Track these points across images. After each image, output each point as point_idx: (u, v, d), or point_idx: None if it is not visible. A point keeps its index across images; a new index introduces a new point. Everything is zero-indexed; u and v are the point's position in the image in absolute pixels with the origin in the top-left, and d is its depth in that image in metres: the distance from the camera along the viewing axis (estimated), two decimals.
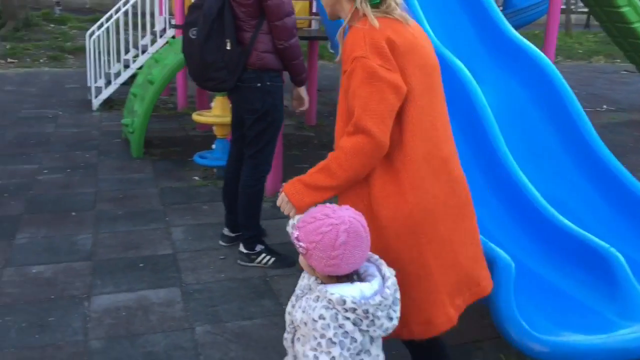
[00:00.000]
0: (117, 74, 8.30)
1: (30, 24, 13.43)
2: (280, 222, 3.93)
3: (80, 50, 12.85)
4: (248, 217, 3.79)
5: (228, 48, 3.50)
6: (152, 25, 8.81)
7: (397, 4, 2.04)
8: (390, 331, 1.80)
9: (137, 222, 4.48)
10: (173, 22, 8.26)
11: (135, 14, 8.92)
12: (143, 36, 8.99)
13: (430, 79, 2.08)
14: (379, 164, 2.01)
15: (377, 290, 1.77)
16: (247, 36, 3.53)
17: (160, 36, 8.07)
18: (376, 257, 1.90)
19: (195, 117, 5.49)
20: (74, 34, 13.71)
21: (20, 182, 5.27)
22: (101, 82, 8.34)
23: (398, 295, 1.82)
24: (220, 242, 4.11)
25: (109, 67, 8.50)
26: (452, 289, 2.13)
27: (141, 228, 4.37)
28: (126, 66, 8.35)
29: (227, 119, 5.31)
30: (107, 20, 8.52)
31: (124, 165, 5.87)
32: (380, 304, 1.73)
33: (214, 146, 5.53)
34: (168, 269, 3.76)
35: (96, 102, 8.28)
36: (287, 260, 3.80)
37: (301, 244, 1.77)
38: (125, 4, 8.49)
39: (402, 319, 1.87)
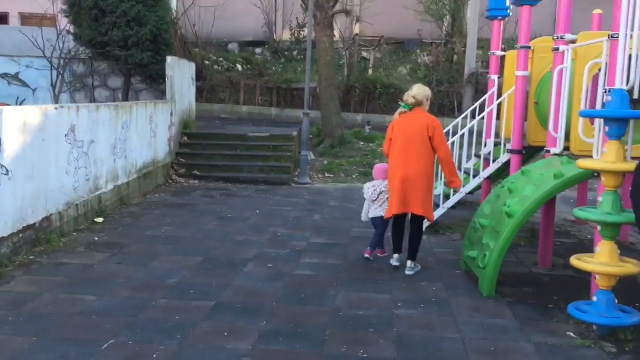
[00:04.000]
0: (446, 197, 8.07)
1: (345, 141, 14.35)
2: None
3: None
4: None
5: None
6: (477, 148, 8.56)
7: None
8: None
9: None
10: (509, 147, 7.87)
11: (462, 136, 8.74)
12: (468, 159, 8.78)
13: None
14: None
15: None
16: None
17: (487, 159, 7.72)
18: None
19: (576, 262, 4.75)
20: (381, 152, 14.24)
21: (379, 314, 5.03)
22: None
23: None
24: None
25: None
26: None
27: None
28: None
29: (621, 268, 4.51)
30: None
31: (478, 305, 5.34)
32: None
33: (594, 298, 4.70)
34: None
35: (424, 224, 8.07)
36: None
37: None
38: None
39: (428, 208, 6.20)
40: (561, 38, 6.43)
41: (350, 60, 20.29)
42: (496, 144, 8.68)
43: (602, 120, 5.39)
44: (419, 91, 6.20)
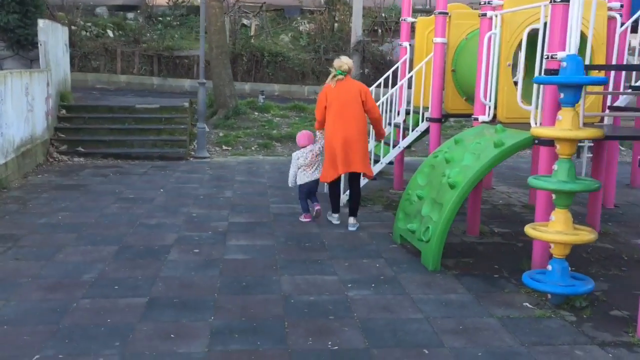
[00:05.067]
0: None
1: (239, 112, 13.72)
2: None
3: (286, 138, 12.89)
4: None
5: None
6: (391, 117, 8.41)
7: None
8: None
9: None
10: (427, 115, 7.77)
11: None
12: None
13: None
14: None
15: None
16: None
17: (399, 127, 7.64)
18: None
19: (532, 232, 4.67)
20: (277, 122, 13.82)
21: (333, 299, 4.69)
22: None
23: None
24: None
25: None
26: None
27: None
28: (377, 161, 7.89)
29: (576, 236, 4.49)
30: None
31: (428, 280, 5.16)
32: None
33: (549, 267, 4.66)
34: None
35: (344, 198, 7.81)
36: None
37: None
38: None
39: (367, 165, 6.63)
40: (488, 3, 6.32)
41: (235, 28, 19.46)
42: (407, 113, 8.56)
43: (540, 87, 5.36)
44: (348, 61, 6.69)
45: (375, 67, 19.50)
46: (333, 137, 6.47)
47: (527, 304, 4.69)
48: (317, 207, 6.94)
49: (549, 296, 4.69)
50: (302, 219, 7.00)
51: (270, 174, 9.92)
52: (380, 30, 21.85)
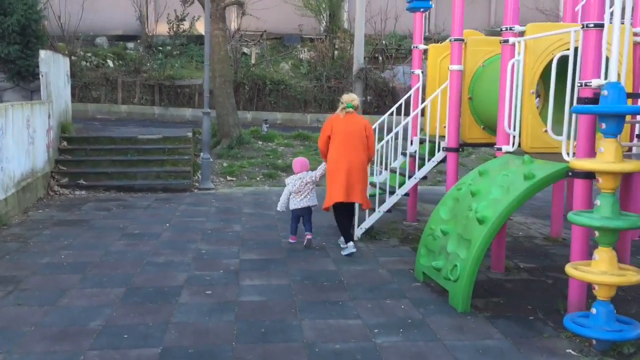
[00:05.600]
0: (371, 196, 7.55)
1: (243, 141, 13.45)
2: None
3: (292, 168, 12.57)
4: None
5: None
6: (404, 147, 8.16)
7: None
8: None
9: None
10: (444, 145, 7.49)
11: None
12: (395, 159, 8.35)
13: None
14: None
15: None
16: None
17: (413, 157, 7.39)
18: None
19: (574, 272, 4.35)
20: (282, 151, 13.55)
21: (360, 346, 4.34)
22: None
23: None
24: None
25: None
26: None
27: None
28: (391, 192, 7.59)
29: (623, 277, 4.17)
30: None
31: (459, 324, 4.81)
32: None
33: (594, 310, 4.33)
34: None
35: (358, 232, 7.50)
36: None
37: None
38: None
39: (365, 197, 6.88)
40: (510, 29, 6.09)
41: (236, 56, 19.31)
42: (421, 142, 8.30)
43: (573, 116, 5.09)
44: (356, 97, 7.05)
45: (378, 94, 19.34)
46: (337, 164, 6.68)
47: (570, 350, 4.35)
48: (307, 236, 7.08)
49: (594, 342, 4.35)
50: (289, 240, 7.26)
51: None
52: (380, 58, 21.75)
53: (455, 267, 5.23)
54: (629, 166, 4.16)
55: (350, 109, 6.81)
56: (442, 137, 7.59)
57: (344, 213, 6.87)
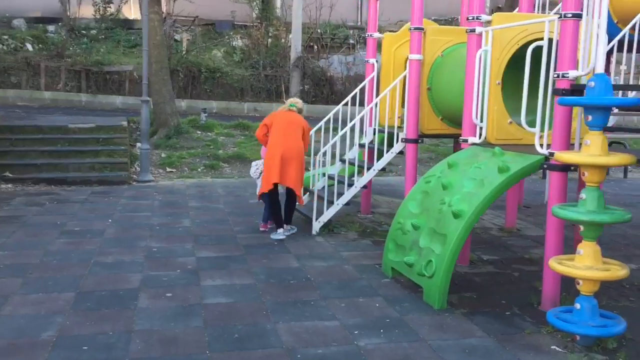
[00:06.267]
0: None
1: (181, 131, 12.88)
2: None
3: (234, 158, 12.20)
4: None
5: None
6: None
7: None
8: None
9: None
10: (403, 136, 7.33)
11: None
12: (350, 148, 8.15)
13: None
14: None
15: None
16: None
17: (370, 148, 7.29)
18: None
19: (559, 267, 4.26)
20: (223, 141, 13.07)
21: (344, 350, 4.10)
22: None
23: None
24: None
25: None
26: None
27: None
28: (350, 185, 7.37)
29: (609, 271, 4.12)
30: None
31: (438, 322, 4.66)
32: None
33: (577, 305, 4.27)
34: None
35: (317, 226, 7.24)
36: None
37: None
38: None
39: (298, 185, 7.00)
40: (477, 19, 5.97)
41: (169, 43, 18.52)
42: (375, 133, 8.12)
43: (547, 108, 5.02)
44: (301, 102, 7.45)
45: (315, 83, 19.10)
46: (274, 149, 6.89)
47: (555, 347, 4.27)
48: (262, 227, 7.35)
49: (577, 337, 4.30)
50: (260, 227, 7.39)
51: (226, 199, 9.21)
52: (316, 47, 21.50)
53: (430, 263, 5.07)
54: (615, 160, 4.10)
55: (293, 108, 7.20)
56: (393, 127, 7.46)
57: (276, 199, 7.06)
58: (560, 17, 4.79)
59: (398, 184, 10.71)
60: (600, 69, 4.22)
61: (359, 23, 23.95)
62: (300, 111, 7.29)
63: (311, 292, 5.25)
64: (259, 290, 5.27)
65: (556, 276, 4.91)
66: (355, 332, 4.42)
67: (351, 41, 22.04)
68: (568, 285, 5.12)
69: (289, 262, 6.11)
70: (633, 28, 5.70)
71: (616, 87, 4.32)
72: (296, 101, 7.36)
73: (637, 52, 5.72)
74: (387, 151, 7.46)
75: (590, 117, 4.14)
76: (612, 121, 6.57)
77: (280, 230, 7.00)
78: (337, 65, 20.19)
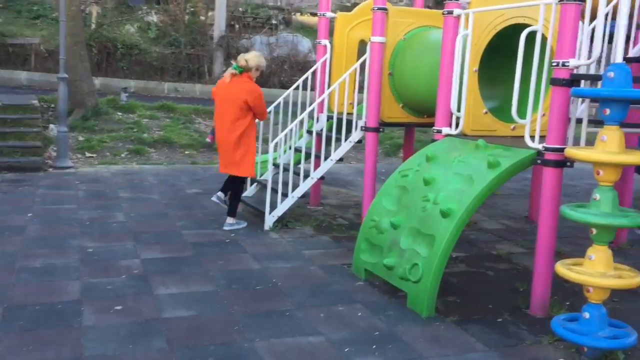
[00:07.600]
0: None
1: (100, 112, 11.74)
2: None
3: (161, 143, 11.29)
4: None
5: None
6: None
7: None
8: None
9: None
10: (361, 124, 6.84)
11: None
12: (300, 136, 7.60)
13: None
14: None
15: None
16: None
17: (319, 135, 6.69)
18: None
19: (568, 273, 3.90)
20: (147, 124, 12.06)
21: None
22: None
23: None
24: None
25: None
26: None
27: None
28: (306, 176, 6.81)
29: (623, 279, 3.82)
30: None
31: (431, 334, 4.21)
32: None
33: (586, 314, 3.94)
34: None
35: (270, 220, 6.62)
36: None
37: None
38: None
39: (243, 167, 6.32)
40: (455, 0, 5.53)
41: (81, 15, 16.99)
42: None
43: (539, 98, 4.67)
44: (252, 57, 6.29)
45: None
46: (216, 136, 6.43)
47: (562, 359, 3.93)
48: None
49: (585, 349, 3.98)
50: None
51: (160, 188, 8.37)
52: (237, 26, 20.61)
53: (416, 267, 4.61)
54: (635, 158, 3.77)
55: (235, 71, 6.20)
56: (347, 113, 6.99)
57: (239, 186, 6.64)
58: (560, 0, 4.42)
59: (339, 173, 10.24)
60: (620, 58, 3.87)
61: (280, 3, 23.26)
62: (249, 69, 6.19)
63: (283, 300, 4.65)
64: (223, 299, 4.61)
65: (547, 280, 4.61)
66: (346, 350, 3.89)
67: (274, 21, 21.34)
68: (557, 288, 4.86)
69: (248, 263, 5.48)
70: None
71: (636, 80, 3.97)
72: (242, 58, 6.20)
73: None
74: (339, 139, 6.95)
75: (608, 111, 3.79)
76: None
77: (218, 194, 6.56)
78: (259, 46, 19.42)
